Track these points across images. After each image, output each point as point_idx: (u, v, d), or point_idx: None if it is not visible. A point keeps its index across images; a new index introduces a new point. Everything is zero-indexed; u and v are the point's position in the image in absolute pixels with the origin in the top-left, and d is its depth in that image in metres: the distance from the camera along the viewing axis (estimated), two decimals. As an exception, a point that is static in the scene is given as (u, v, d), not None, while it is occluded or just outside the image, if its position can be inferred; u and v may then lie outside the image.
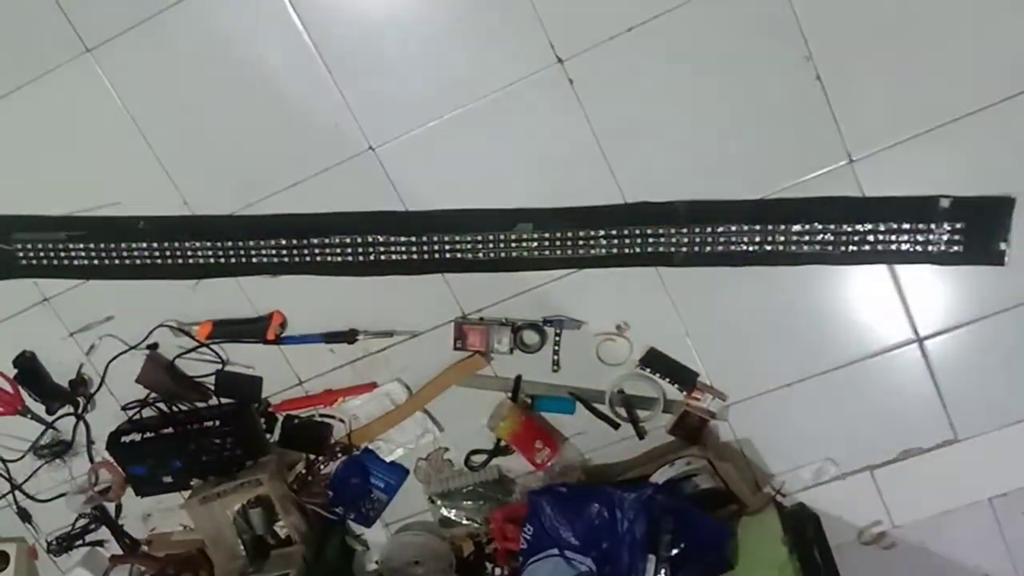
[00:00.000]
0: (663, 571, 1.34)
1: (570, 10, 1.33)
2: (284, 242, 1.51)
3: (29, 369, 1.70)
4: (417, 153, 1.44)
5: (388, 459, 1.67)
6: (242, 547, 1.66)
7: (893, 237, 1.35)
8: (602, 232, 1.42)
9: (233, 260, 1.54)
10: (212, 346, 1.62)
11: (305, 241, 1.51)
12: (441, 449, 1.67)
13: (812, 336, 1.46)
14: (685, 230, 1.39)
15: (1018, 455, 1.47)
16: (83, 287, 1.63)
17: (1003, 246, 1.33)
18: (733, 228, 1.38)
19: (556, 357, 1.52)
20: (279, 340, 1.58)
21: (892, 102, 1.31)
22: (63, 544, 1.83)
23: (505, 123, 1.40)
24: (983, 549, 1.55)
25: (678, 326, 1.48)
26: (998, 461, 1.48)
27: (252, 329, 1.58)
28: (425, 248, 1.48)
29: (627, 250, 1.42)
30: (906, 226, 1.34)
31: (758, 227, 1.38)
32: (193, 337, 1.61)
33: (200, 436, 1.59)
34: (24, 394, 1.73)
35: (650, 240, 1.41)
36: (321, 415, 1.66)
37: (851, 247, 1.36)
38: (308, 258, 1.52)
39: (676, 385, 1.51)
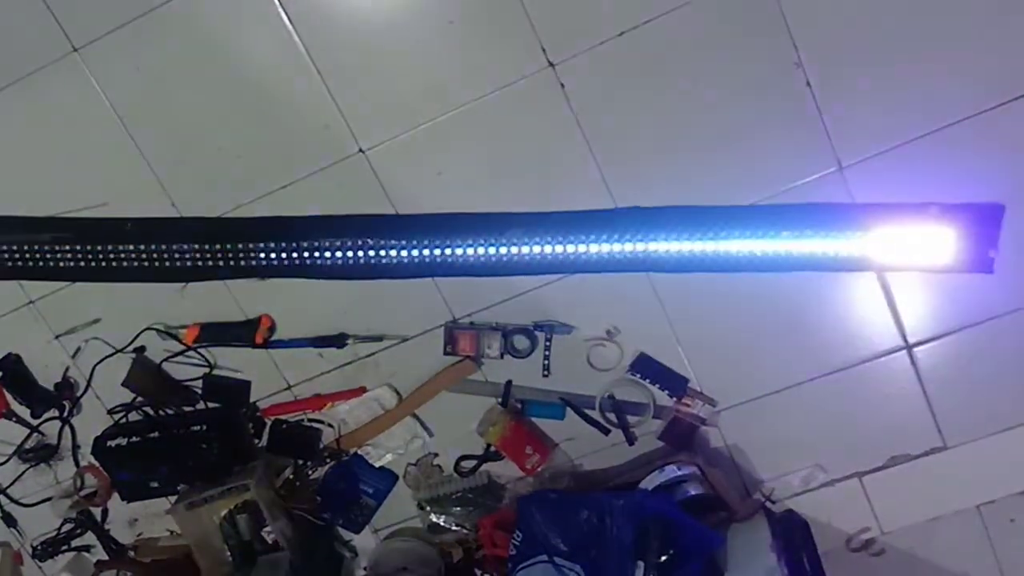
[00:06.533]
0: (652, 578, 1.33)
1: (562, 14, 1.33)
2: (273, 245, 1.50)
3: (14, 372, 1.69)
4: (407, 156, 1.44)
5: (377, 464, 1.66)
6: (229, 553, 1.65)
7: (882, 244, 1.35)
8: (593, 237, 1.41)
9: (221, 263, 1.53)
10: (200, 350, 1.61)
11: (294, 244, 1.50)
12: (430, 455, 1.66)
13: (802, 342, 1.46)
14: (675, 235, 1.39)
15: (1006, 462, 1.48)
16: (69, 289, 1.62)
17: (992, 254, 1.33)
18: (722, 234, 1.38)
19: (546, 362, 1.51)
20: (267, 344, 1.57)
21: (882, 109, 1.31)
22: (48, 549, 1.81)
23: (496, 127, 1.40)
24: (971, 556, 1.56)
25: (668, 332, 1.48)
26: (986, 468, 1.48)
27: (240, 333, 1.57)
28: (415, 252, 1.47)
29: (617, 255, 1.42)
30: (895, 233, 1.34)
31: (747, 233, 1.37)
32: (180, 341, 1.60)
33: (187, 441, 1.58)
34: (9, 397, 1.71)
35: (640, 245, 1.41)
36: (310, 420, 1.65)
37: (841, 254, 1.36)
38: (297, 261, 1.51)
39: (666, 391, 1.51)
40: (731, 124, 1.35)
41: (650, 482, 1.47)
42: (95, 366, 1.64)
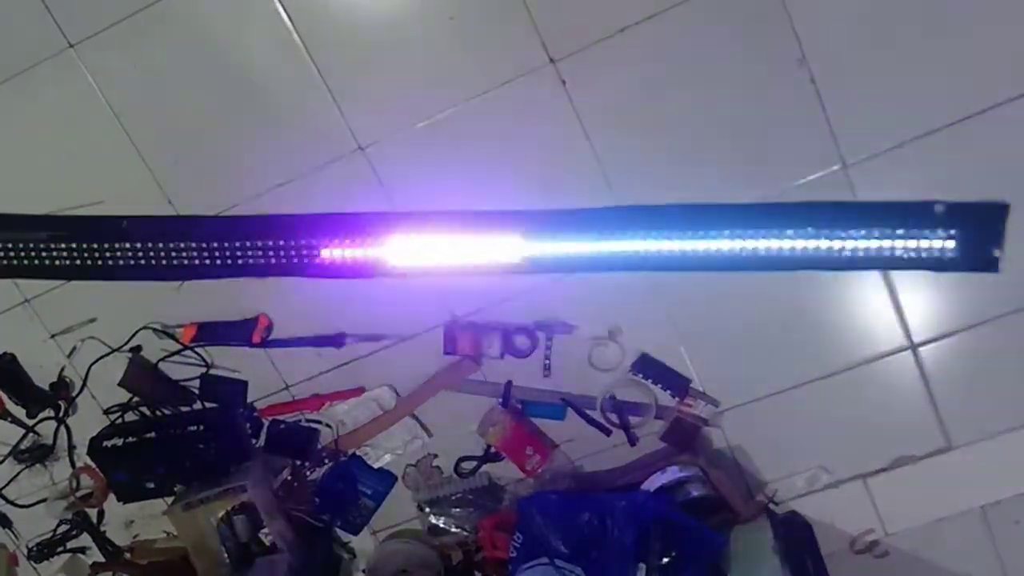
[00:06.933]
0: (654, 580, 1.32)
1: (563, 10, 1.31)
2: (271, 243, 1.49)
3: (9, 371, 1.68)
4: (407, 154, 1.42)
5: (376, 465, 1.65)
6: (226, 555, 1.64)
7: (887, 242, 1.34)
8: (594, 235, 1.40)
9: (219, 261, 1.51)
10: (196, 349, 1.59)
11: (292, 242, 1.48)
12: (430, 455, 1.64)
13: (805, 342, 1.45)
14: (677, 234, 1.38)
15: (1011, 463, 1.47)
16: (65, 288, 1.60)
17: (997, 252, 1.31)
18: (726, 232, 1.37)
19: (547, 362, 1.50)
20: (265, 343, 1.56)
21: (887, 106, 1.30)
22: (44, 551, 1.80)
23: (497, 124, 1.39)
24: (975, 557, 1.55)
25: (670, 331, 1.47)
26: (991, 469, 1.47)
27: (238, 332, 1.56)
28: (414, 250, 1.45)
29: (619, 254, 1.40)
30: (900, 231, 1.33)
31: (751, 231, 1.36)
32: (177, 340, 1.59)
33: (184, 441, 1.57)
34: (4, 397, 1.70)
35: (642, 244, 1.39)
36: (308, 420, 1.63)
37: (845, 252, 1.35)
38: (295, 260, 1.49)
39: (668, 391, 1.49)
40: (734, 121, 1.34)
41: (652, 483, 1.46)
42: (91, 366, 1.63)
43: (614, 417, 1.52)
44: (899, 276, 1.38)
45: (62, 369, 1.66)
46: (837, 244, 1.35)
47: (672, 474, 1.46)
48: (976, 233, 1.31)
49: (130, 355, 1.61)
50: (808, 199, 1.35)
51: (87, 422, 1.68)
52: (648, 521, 1.36)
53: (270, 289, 1.54)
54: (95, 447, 1.61)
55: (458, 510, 1.61)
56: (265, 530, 1.63)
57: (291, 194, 1.47)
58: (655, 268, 1.41)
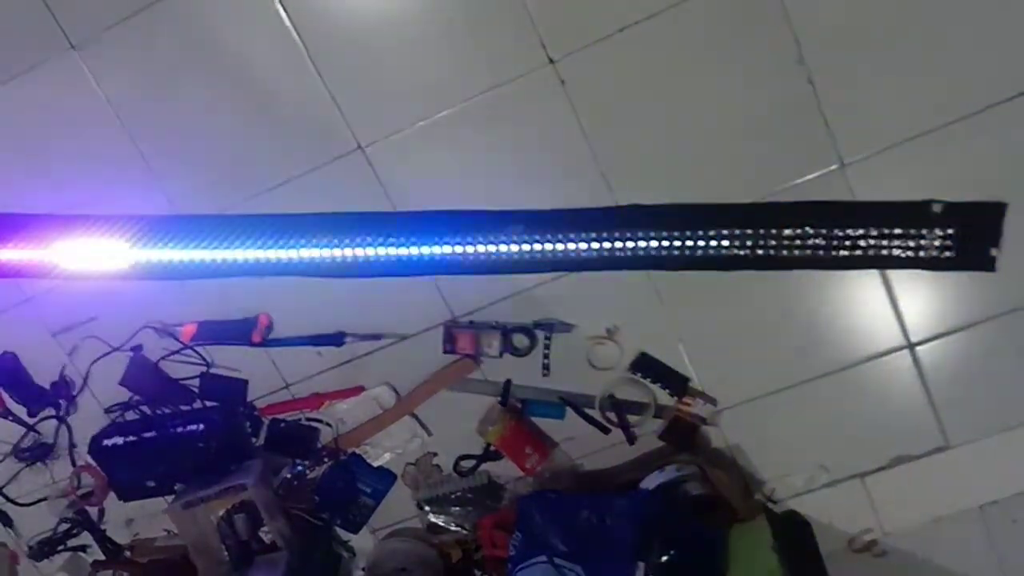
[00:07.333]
0: (652, 578, 1.32)
1: (562, 10, 1.32)
2: (271, 242, 1.49)
3: (10, 370, 1.68)
4: (407, 153, 1.43)
5: (375, 464, 1.65)
6: (226, 553, 1.64)
7: (885, 242, 1.34)
8: (593, 235, 1.40)
9: (219, 260, 1.52)
10: (197, 348, 1.60)
11: (292, 242, 1.49)
12: (429, 454, 1.65)
13: (803, 341, 1.45)
14: (676, 234, 1.38)
15: (1009, 462, 1.47)
16: (66, 286, 1.61)
17: (994, 252, 1.32)
18: (724, 232, 1.37)
19: (546, 361, 1.50)
20: (265, 342, 1.56)
21: (884, 106, 1.30)
22: (45, 549, 1.81)
23: (496, 124, 1.39)
24: (974, 556, 1.55)
25: (669, 331, 1.47)
26: (989, 468, 1.47)
27: (238, 331, 1.56)
28: (414, 249, 1.46)
29: (618, 253, 1.41)
30: (898, 231, 1.33)
31: (749, 231, 1.37)
32: (178, 339, 1.59)
33: (184, 440, 1.57)
34: (5, 396, 1.70)
35: (641, 243, 1.40)
36: (308, 419, 1.64)
37: (843, 252, 1.36)
38: (295, 259, 1.50)
39: (667, 390, 1.50)
40: (732, 121, 1.34)
41: (651, 482, 1.46)
42: (92, 364, 1.64)
43: (613, 416, 1.52)
44: (897, 275, 1.39)
45: (63, 368, 1.67)
46: (835, 244, 1.35)
47: (671, 473, 1.46)
48: (973, 232, 1.32)
49: (131, 354, 1.62)
50: (806, 199, 1.35)
51: (88, 421, 1.69)
52: (647, 520, 1.36)
53: (270, 288, 1.54)
54: (96, 446, 1.61)
55: (457, 508, 1.62)
56: (265, 528, 1.63)
57: (290, 194, 1.48)
58: (654, 267, 1.42)
